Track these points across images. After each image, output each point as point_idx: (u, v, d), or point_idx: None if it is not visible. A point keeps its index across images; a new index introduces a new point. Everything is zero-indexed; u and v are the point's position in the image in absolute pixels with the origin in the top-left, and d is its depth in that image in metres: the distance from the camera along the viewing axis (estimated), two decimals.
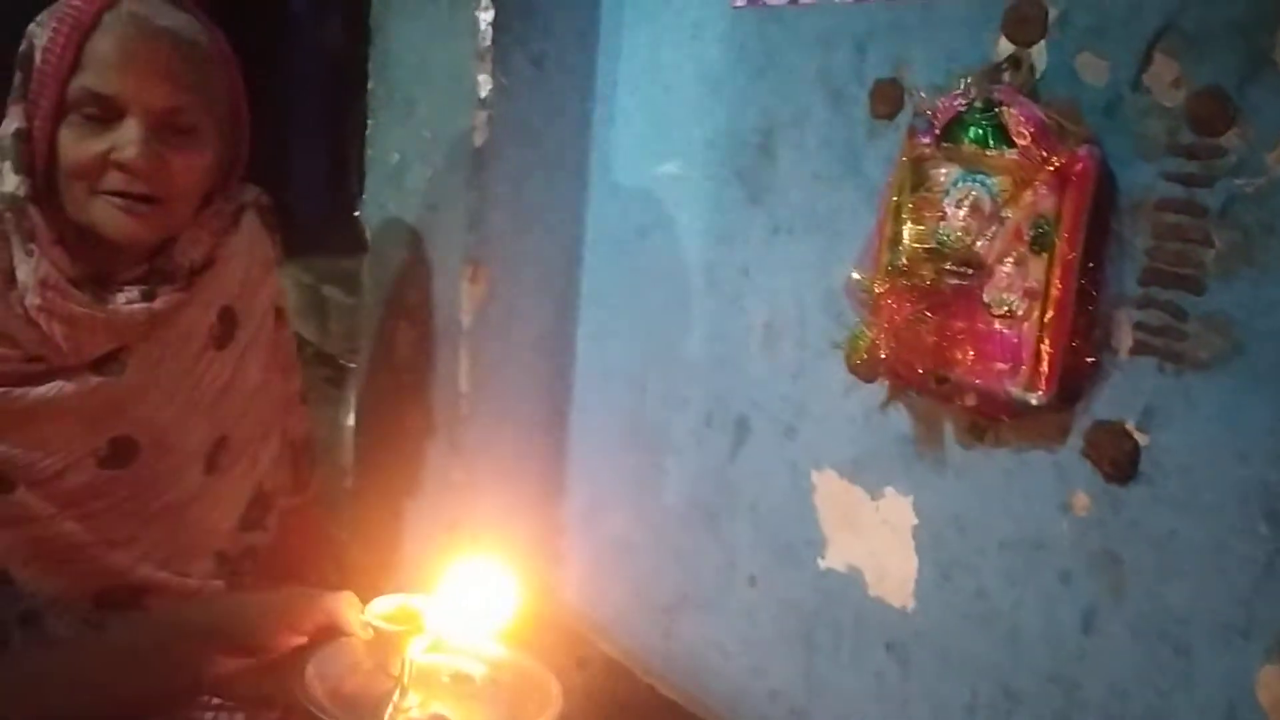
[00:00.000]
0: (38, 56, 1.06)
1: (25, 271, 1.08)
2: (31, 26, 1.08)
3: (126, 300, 1.13)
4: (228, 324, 1.27)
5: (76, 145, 1.06)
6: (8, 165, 1.08)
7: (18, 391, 1.09)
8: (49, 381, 1.11)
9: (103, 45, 1.05)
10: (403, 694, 0.78)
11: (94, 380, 1.13)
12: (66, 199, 1.08)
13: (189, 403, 1.23)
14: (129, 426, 1.17)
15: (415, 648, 0.79)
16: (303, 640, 0.87)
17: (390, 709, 0.77)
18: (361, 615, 0.86)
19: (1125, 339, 0.98)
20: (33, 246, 1.08)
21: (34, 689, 0.84)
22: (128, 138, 1.05)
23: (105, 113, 1.06)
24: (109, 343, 1.14)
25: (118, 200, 1.07)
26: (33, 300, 1.08)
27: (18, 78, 1.08)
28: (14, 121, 1.07)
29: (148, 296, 1.15)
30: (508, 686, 0.83)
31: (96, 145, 1.06)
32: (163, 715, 1.01)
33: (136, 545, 1.20)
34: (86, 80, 1.05)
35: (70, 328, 1.10)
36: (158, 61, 1.07)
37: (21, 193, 1.07)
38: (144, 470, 1.19)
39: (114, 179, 1.07)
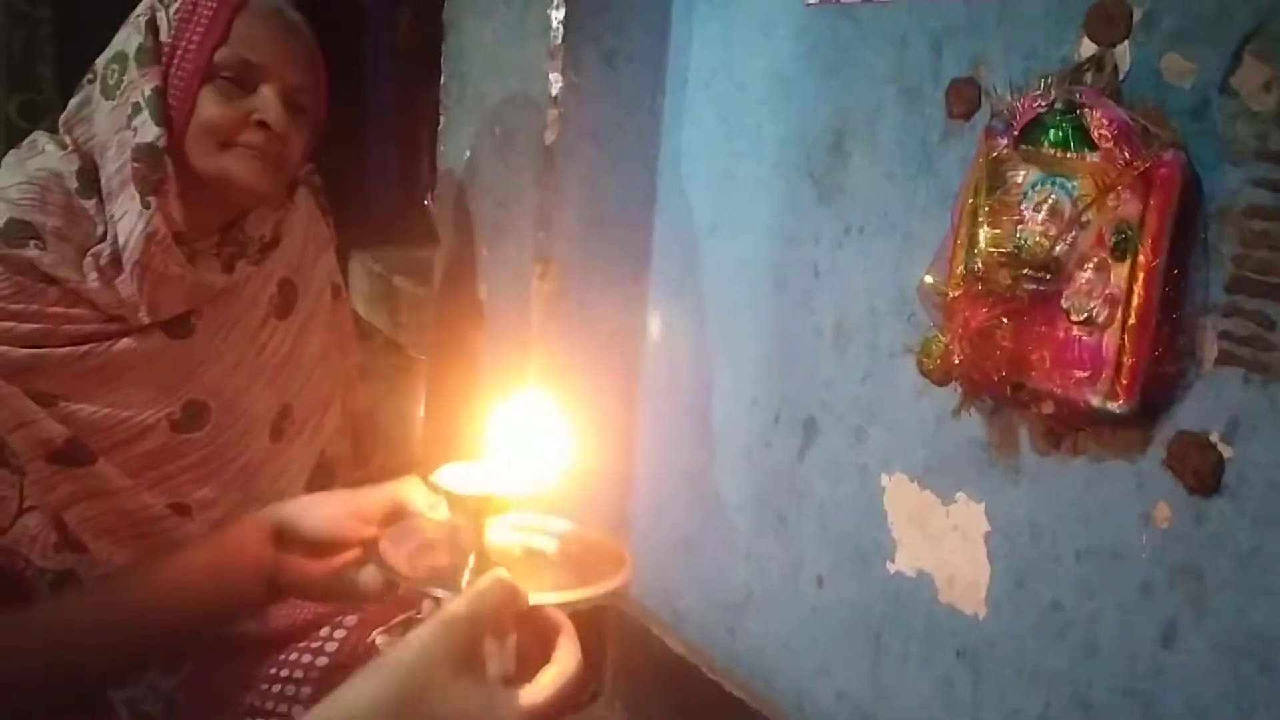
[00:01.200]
0: (173, 26, 1.16)
1: (131, 223, 1.14)
2: (159, 3, 1.18)
3: (208, 269, 1.21)
4: (288, 295, 1.33)
5: (220, 106, 1.16)
6: (146, 117, 1.15)
7: (86, 347, 1.14)
8: (122, 339, 1.16)
9: (251, 24, 1.18)
10: (479, 559, 0.76)
11: (164, 340, 1.19)
12: (195, 152, 1.17)
13: (254, 369, 1.28)
14: (199, 390, 1.23)
15: (488, 510, 0.77)
16: (373, 531, 0.86)
17: (467, 574, 0.75)
18: (430, 497, 0.85)
19: (1210, 348, 0.95)
20: (152, 200, 1.13)
21: (105, 615, 0.86)
22: (270, 102, 1.17)
23: (247, 80, 1.17)
24: (183, 305, 1.19)
25: (255, 152, 1.18)
26: (131, 255, 1.13)
27: (148, 40, 1.16)
28: (152, 80, 1.15)
29: (228, 267, 1.23)
30: (577, 556, 0.83)
31: (240, 108, 1.17)
32: (245, 620, 1.06)
33: (210, 510, 1.23)
34: (238, 49, 1.16)
35: (156, 286, 1.15)
36: (294, 47, 1.21)
37: (161, 143, 1.14)
38: (215, 434, 1.24)
39: (253, 136, 1.17)
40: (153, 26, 1.17)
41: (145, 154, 1.14)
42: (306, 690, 1.17)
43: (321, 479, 1.39)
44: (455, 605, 0.67)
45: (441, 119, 1.77)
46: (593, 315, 1.62)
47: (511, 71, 1.59)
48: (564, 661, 0.70)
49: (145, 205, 1.14)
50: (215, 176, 1.18)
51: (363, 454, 1.50)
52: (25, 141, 1.22)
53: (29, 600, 1.12)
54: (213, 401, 1.23)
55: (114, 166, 1.14)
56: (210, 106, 1.16)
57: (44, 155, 1.18)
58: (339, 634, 1.21)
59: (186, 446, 1.22)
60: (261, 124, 1.17)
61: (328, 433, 1.40)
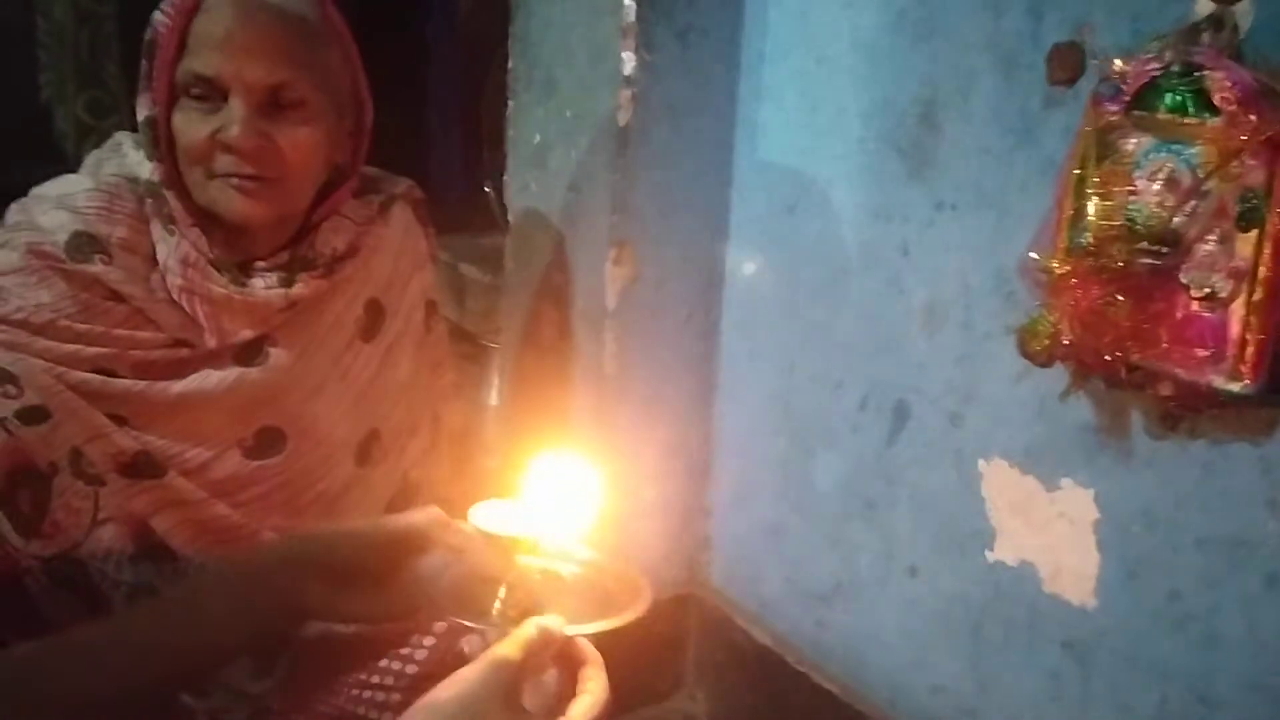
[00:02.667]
0: (157, 43, 1.07)
1: (165, 251, 1.09)
2: (155, 14, 1.09)
3: (265, 285, 1.14)
4: (375, 316, 1.26)
5: (187, 129, 1.07)
6: (143, 153, 1.10)
7: (163, 383, 1.10)
8: (196, 371, 1.13)
9: (204, 27, 1.05)
10: (509, 590, 0.79)
11: (239, 370, 1.14)
12: (189, 183, 1.09)
13: (337, 395, 1.23)
14: (275, 417, 1.18)
15: (518, 548, 0.81)
16: (398, 557, 0.87)
17: (498, 604, 0.78)
18: (455, 528, 0.86)
19: None
20: (173, 228, 1.09)
21: (128, 647, 0.85)
22: (231, 118, 1.05)
23: (211, 94, 1.06)
24: (250, 327, 1.14)
25: (231, 181, 1.07)
26: (174, 280, 1.09)
27: (144, 66, 1.09)
28: (144, 109, 1.09)
29: (286, 283, 1.15)
30: (597, 585, 0.84)
31: (205, 128, 1.06)
32: (269, 649, 1.05)
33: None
34: (190, 63, 1.05)
35: (211, 308, 1.11)
36: (257, 39, 1.05)
37: (156, 178, 1.09)
38: (294, 461, 1.20)
39: (224, 161, 1.07)
40: (151, 44, 1.08)
41: (147, 190, 1.09)
42: (396, 697, 1.15)
43: (403, 502, 1.35)
44: (505, 649, 0.71)
45: (510, 103, 1.73)
46: (669, 299, 1.58)
47: (582, 52, 1.56)
48: (594, 692, 0.74)
49: (169, 234, 1.09)
50: (209, 210, 1.09)
51: (460, 471, 1.46)
52: (109, 142, 1.17)
53: (103, 612, 1.11)
54: (289, 428, 1.18)
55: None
56: (182, 132, 1.07)
57: (123, 159, 1.14)
58: (428, 641, 1.18)
59: (262, 473, 1.17)
60: (228, 146, 1.05)
61: (413, 455, 1.34)
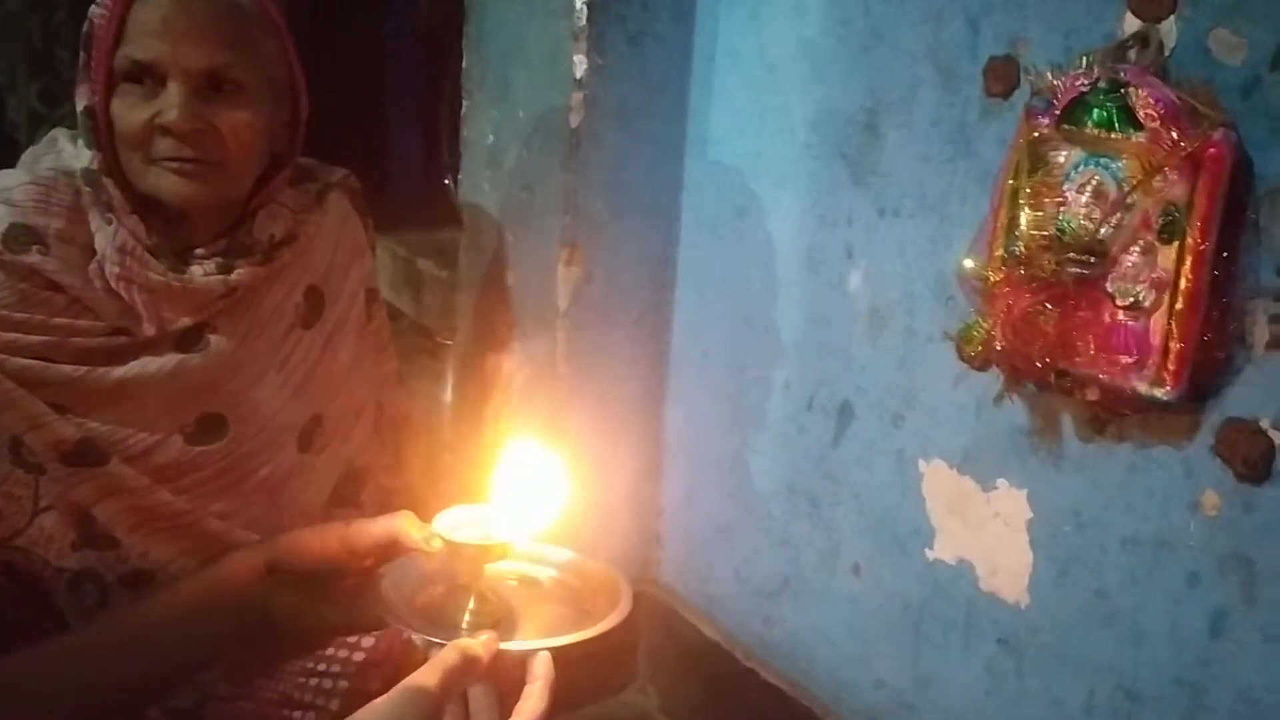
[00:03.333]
0: (94, 33, 1.09)
1: (104, 240, 1.11)
2: (92, 6, 1.11)
3: (204, 272, 1.15)
4: (314, 303, 1.28)
5: (126, 115, 1.08)
6: (82, 141, 1.11)
7: (102, 369, 1.11)
8: (135, 359, 1.14)
9: (141, 14, 1.07)
10: (479, 600, 0.77)
11: (178, 357, 1.16)
12: (127, 170, 1.11)
13: (278, 381, 1.24)
14: (216, 404, 1.19)
15: (487, 557, 0.78)
16: (367, 563, 0.85)
17: (466, 615, 0.76)
18: (424, 531, 0.83)
19: (1261, 333, 0.93)
20: (110, 216, 1.11)
21: (89, 663, 0.84)
22: (169, 102, 1.07)
23: (149, 80, 1.08)
24: (189, 314, 1.15)
25: (170, 165, 1.09)
26: (112, 268, 1.10)
27: (82, 57, 1.10)
28: (82, 99, 1.10)
29: (224, 269, 1.16)
30: (576, 588, 0.83)
31: (143, 113, 1.08)
32: (235, 657, 1.01)
33: (232, 520, 1.22)
34: (128, 49, 1.07)
35: (150, 295, 1.12)
36: (194, 24, 1.08)
37: (95, 166, 1.10)
38: (236, 447, 1.21)
39: (163, 145, 1.09)
40: (88, 36, 1.10)
41: (86, 178, 1.10)
42: (344, 684, 1.17)
43: (349, 488, 1.36)
44: (421, 676, 0.69)
45: (464, 102, 1.74)
46: (620, 300, 1.60)
47: (535, 53, 1.57)
48: (525, 713, 0.72)
49: (107, 222, 1.10)
50: (149, 196, 1.11)
51: (402, 460, 1.47)
52: (45, 138, 1.19)
53: (48, 601, 1.11)
54: (231, 414, 1.19)
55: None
56: (120, 118, 1.08)
57: (58, 154, 1.16)
58: (376, 629, 1.19)
59: (204, 459, 1.18)
60: (167, 129, 1.07)
61: (357, 442, 1.36)
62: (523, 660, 0.74)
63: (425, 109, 2.86)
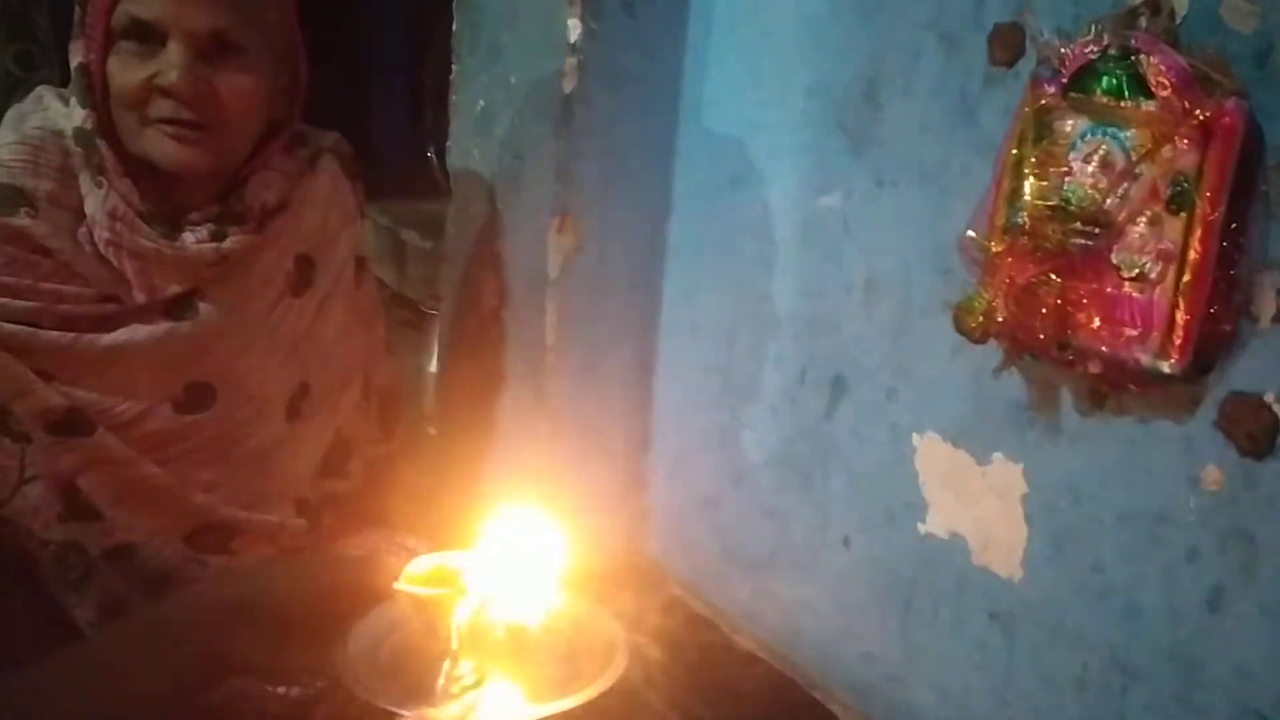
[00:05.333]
0: None
1: (94, 204, 1.08)
2: None
3: (196, 239, 1.13)
4: (305, 271, 1.26)
5: (123, 74, 1.06)
6: (75, 100, 1.08)
7: (90, 336, 1.09)
8: (124, 326, 1.11)
9: None
10: (454, 661, 0.72)
11: (168, 325, 1.14)
12: (121, 131, 1.08)
13: (267, 349, 1.22)
14: (205, 372, 1.17)
15: (460, 610, 0.73)
16: (336, 607, 0.80)
17: (442, 680, 0.72)
18: (395, 581, 0.79)
19: (1268, 306, 0.91)
20: (101, 179, 1.08)
21: (41, 697, 0.78)
22: (170, 62, 1.05)
23: (148, 39, 1.05)
24: (179, 282, 1.13)
25: (167, 128, 1.07)
26: (102, 234, 1.08)
27: (77, 13, 1.08)
28: (76, 55, 1.07)
29: (217, 236, 1.14)
30: (566, 637, 0.77)
31: (141, 72, 1.06)
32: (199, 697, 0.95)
33: (219, 490, 1.20)
34: (129, 6, 1.05)
35: (140, 263, 1.10)
36: None
37: (88, 126, 1.07)
38: (224, 416, 1.19)
39: (161, 106, 1.06)
40: None
41: (79, 138, 1.07)
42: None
43: (337, 457, 1.34)
44: None
45: (454, 68, 1.71)
46: (611, 269, 1.58)
47: (528, 17, 1.54)
48: None
49: (98, 185, 1.08)
50: (143, 159, 1.08)
51: (387, 430, 1.46)
52: (30, 96, 1.15)
53: (32, 573, 1.08)
54: (220, 384, 1.17)
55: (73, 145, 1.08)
56: (117, 78, 1.06)
57: (45, 112, 1.12)
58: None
59: (192, 428, 1.17)
60: (166, 91, 1.05)
61: (345, 411, 1.34)
62: None
63: (409, 77, 2.83)
